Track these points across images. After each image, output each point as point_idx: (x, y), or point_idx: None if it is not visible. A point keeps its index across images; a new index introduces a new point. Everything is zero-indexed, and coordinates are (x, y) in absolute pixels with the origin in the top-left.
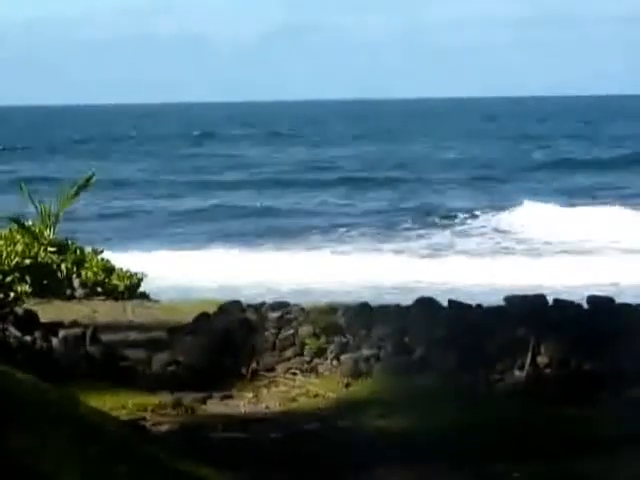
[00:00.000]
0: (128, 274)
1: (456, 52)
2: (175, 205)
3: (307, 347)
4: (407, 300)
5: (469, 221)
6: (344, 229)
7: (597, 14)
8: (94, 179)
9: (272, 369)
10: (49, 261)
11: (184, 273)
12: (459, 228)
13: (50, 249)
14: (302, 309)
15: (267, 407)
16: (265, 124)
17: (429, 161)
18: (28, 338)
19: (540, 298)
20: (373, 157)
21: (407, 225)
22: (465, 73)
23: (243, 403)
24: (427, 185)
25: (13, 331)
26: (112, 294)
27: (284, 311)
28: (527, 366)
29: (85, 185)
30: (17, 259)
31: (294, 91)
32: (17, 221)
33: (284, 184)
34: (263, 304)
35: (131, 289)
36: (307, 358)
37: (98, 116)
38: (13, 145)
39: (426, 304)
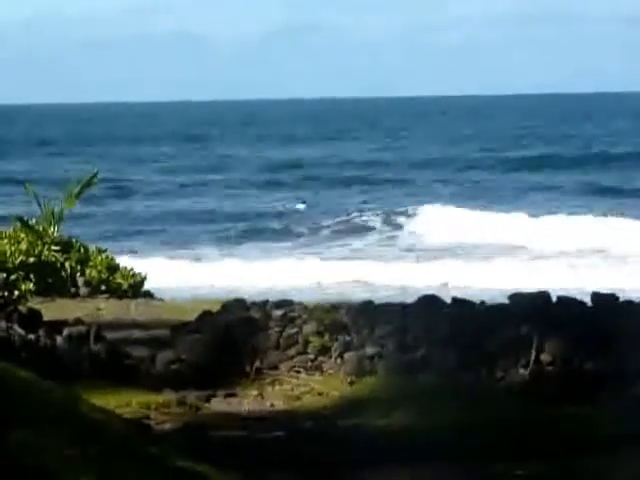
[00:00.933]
0: (132, 273)
1: (456, 50)
2: (173, 205)
3: (311, 345)
4: None
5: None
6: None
7: (596, 13)
8: (98, 178)
9: (276, 367)
10: (53, 260)
11: (180, 279)
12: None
13: (54, 248)
14: (306, 307)
15: (271, 405)
16: (262, 123)
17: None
18: (32, 336)
19: (543, 295)
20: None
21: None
22: (466, 71)
23: (247, 401)
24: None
25: (17, 329)
26: (116, 292)
27: (288, 309)
28: (531, 364)
29: (89, 184)
30: (21, 258)
31: (294, 90)
32: (21, 220)
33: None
34: (267, 302)
35: (135, 287)
36: (311, 356)
37: (97, 115)
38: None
39: (429, 302)
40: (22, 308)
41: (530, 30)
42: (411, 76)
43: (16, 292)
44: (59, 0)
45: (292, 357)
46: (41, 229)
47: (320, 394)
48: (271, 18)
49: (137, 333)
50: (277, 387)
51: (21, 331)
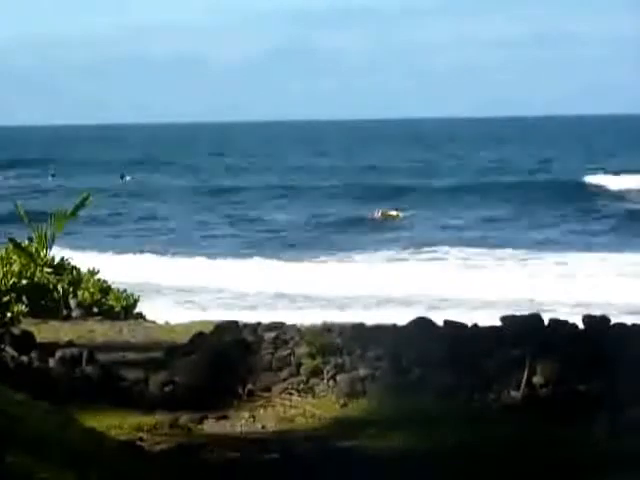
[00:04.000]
0: (124, 295)
1: (451, 73)
2: None
3: (303, 367)
4: None
5: None
6: None
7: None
8: (90, 199)
9: (268, 389)
10: (45, 281)
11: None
12: None
13: (46, 269)
14: (298, 329)
15: (263, 427)
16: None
17: None
18: (25, 358)
19: (536, 318)
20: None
21: None
22: (464, 93)
23: (239, 423)
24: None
25: (10, 351)
26: (108, 314)
27: (280, 331)
28: (523, 386)
29: (81, 205)
30: (14, 279)
31: (289, 112)
32: (13, 241)
33: None
34: (259, 324)
35: (127, 309)
36: (303, 378)
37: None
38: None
39: (422, 323)
40: (15, 330)
41: (525, 52)
42: (411, 98)
43: (8, 314)
44: (57, 22)
45: (284, 379)
46: (33, 251)
47: (312, 416)
48: (268, 40)
49: (130, 355)
50: (269, 409)
51: (14, 353)
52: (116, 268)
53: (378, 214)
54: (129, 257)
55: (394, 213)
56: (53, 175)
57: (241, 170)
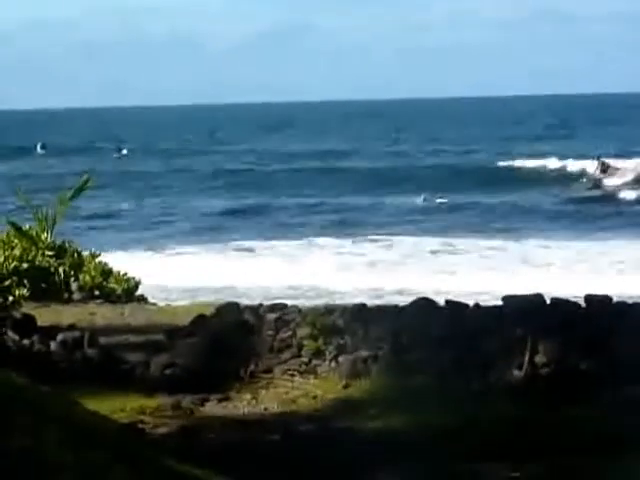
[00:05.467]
0: (125, 277)
1: (447, 52)
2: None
3: (305, 348)
4: None
5: None
6: None
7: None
8: (91, 182)
9: (270, 371)
10: (47, 265)
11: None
12: None
13: (48, 253)
14: (299, 310)
15: (265, 409)
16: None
17: None
18: (26, 342)
19: (537, 297)
20: None
21: None
22: (458, 73)
23: (241, 405)
24: None
25: (11, 335)
26: (110, 297)
27: (282, 313)
28: (525, 366)
29: (82, 189)
30: (15, 263)
31: (284, 92)
32: (14, 225)
33: None
34: (260, 305)
35: (128, 292)
36: (305, 359)
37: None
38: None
39: (423, 304)
40: (16, 313)
41: (523, 32)
42: (406, 78)
43: (10, 298)
44: (54, 4)
45: (286, 360)
46: (35, 234)
47: (314, 397)
48: (264, 20)
49: (131, 338)
50: (271, 390)
51: (15, 336)
52: None
53: (421, 200)
54: None
55: (439, 201)
56: (43, 147)
57: (241, 153)
